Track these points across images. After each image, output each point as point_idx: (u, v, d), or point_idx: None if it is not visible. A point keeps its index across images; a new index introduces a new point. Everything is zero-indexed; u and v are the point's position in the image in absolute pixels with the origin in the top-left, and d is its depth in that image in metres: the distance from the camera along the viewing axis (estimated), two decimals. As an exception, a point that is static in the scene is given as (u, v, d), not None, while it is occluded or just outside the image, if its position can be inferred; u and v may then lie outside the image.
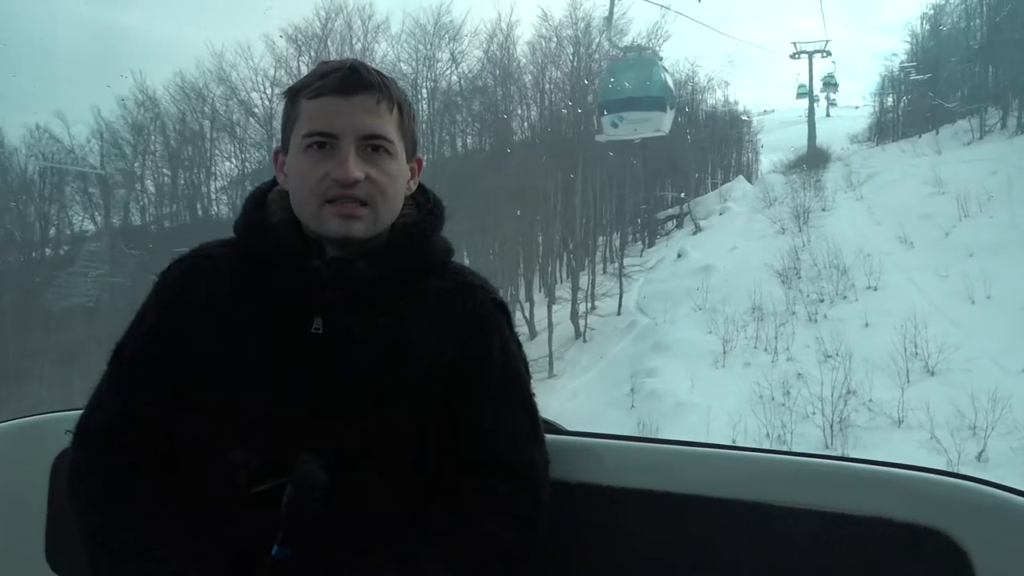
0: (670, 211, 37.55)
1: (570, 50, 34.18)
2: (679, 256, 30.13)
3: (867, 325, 21.79)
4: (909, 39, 43.49)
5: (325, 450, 1.23)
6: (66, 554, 1.71)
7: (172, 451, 1.30)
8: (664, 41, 37.25)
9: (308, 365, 1.26)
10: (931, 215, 26.95)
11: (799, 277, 25.70)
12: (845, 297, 24.00)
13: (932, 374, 19.14)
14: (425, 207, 1.40)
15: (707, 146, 40.80)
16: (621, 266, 30.66)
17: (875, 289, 23.93)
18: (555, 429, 1.53)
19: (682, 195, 36.96)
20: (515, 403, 1.36)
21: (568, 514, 1.40)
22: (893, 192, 30.17)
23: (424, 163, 1.42)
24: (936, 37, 40.87)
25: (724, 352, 22.17)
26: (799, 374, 20.13)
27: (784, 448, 15.24)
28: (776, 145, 44.56)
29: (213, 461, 1.26)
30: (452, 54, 32.35)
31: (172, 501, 1.27)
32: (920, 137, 37.11)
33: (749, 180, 40.77)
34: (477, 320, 1.35)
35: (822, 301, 24.13)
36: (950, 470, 1.39)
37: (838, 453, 14.88)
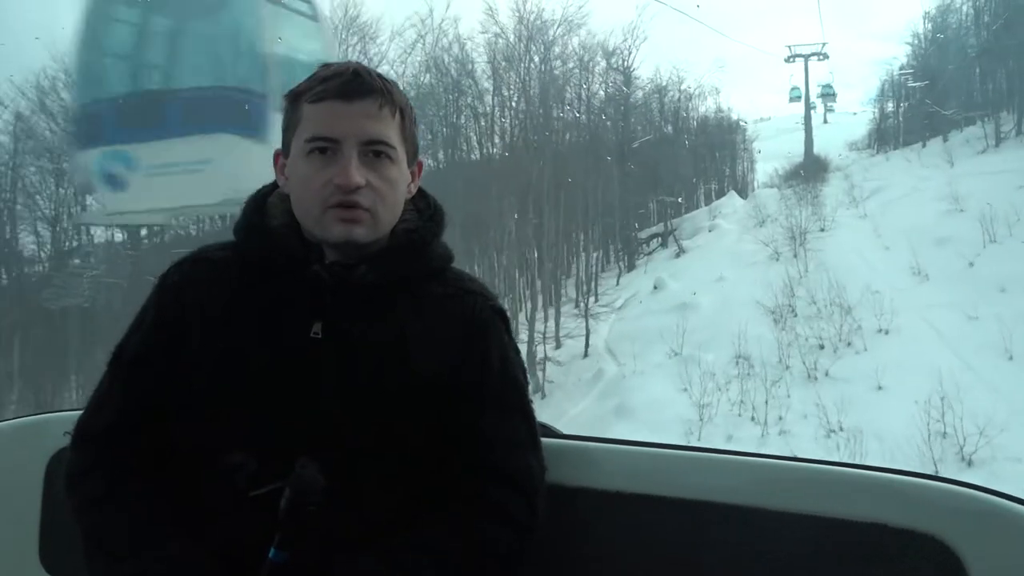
0: (654, 229, 33.79)
1: (521, 47, 30.01)
2: (655, 288, 26.01)
3: (879, 388, 17.65)
4: (911, 41, 40.34)
5: (324, 454, 1.23)
6: (60, 554, 1.77)
7: (171, 453, 1.31)
8: (641, 42, 33.53)
9: (307, 369, 1.28)
10: (949, 239, 22.98)
11: (795, 315, 21.70)
12: (850, 344, 20.03)
13: (970, 465, 14.89)
14: (426, 213, 1.42)
15: (702, 152, 37.69)
16: (588, 305, 26.32)
17: (886, 332, 19.96)
18: (552, 433, 1.55)
19: (679, 199, 34.11)
20: (513, 410, 1.39)
21: (565, 518, 1.43)
22: (902, 209, 26.45)
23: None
24: (939, 41, 37.45)
25: (701, 420, 18.12)
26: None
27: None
28: (773, 153, 41.45)
29: (211, 464, 1.27)
30: (366, 54, 27.38)
31: (170, 503, 1.28)
32: (925, 145, 34.03)
33: (745, 191, 37.89)
34: (476, 326, 1.37)
35: (822, 348, 20.11)
36: (945, 475, 1.37)
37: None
